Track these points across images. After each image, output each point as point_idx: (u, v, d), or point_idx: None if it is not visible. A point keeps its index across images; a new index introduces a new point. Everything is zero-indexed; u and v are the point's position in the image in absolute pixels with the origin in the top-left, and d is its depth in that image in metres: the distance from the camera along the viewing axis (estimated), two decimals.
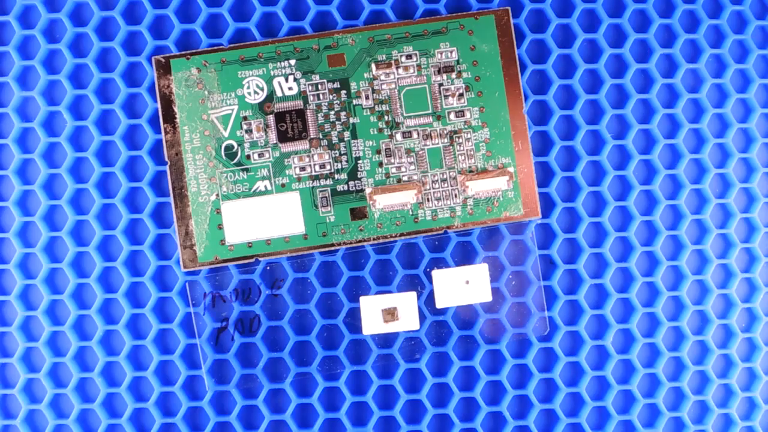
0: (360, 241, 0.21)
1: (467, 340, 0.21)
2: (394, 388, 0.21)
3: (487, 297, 0.21)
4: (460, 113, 0.21)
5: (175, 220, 0.21)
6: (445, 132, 0.21)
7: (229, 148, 0.21)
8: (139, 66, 0.21)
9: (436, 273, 0.21)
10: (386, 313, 0.20)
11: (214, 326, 0.21)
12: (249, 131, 0.21)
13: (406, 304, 0.21)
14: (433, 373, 0.21)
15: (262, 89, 0.21)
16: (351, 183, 0.21)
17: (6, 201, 0.21)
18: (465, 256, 0.21)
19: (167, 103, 0.21)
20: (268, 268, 0.21)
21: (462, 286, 0.21)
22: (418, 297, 0.21)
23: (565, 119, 0.22)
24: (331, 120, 0.21)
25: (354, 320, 0.21)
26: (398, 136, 0.21)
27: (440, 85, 0.21)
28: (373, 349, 0.21)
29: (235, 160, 0.21)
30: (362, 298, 0.21)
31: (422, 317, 0.21)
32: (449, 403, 0.21)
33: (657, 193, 0.22)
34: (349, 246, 0.21)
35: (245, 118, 0.21)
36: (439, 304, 0.21)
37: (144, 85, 0.21)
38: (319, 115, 0.21)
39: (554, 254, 0.21)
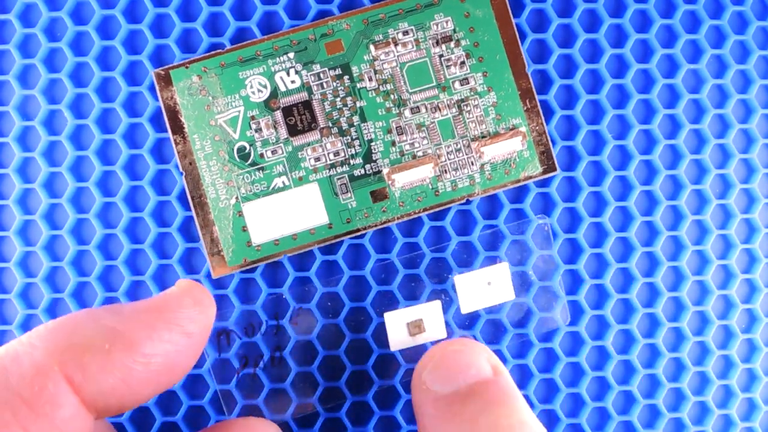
0: (385, 222, 0.21)
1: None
2: (394, 389, 0.21)
3: (510, 296, 0.21)
4: (464, 81, 0.21)
5: (198, 229, 0.21)
6: (453, 102, 0.21)
7: (241, 149, 0.21)
8: (140, 65, 0.21)
9: (458, 278, 0.20)
10: (412, 326, 0.20)
11: (243, 371, 0.21)
12: (258, 130, 0.21)
13: (431, 314, 0.20)
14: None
15: (265, 86, 0.21)
16: (367, 166, 0.21)
17: (6, 199, 0.21)
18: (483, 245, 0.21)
19: (173, 114, 0.21)
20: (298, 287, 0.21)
21: (484, 287, 0.20)
22: (443, 303, 0.21)
23: (565, 119, 0.22)
24: (338, 107, 0.21)
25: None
26: (407, 113, 0.21)
27: (440, 56, 0.21)
28: (374, 349, 0.21)
29: (250, 161, 0.21)
30: (386, 314, 0.20)
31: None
32: None
33: (657, 194, 0.22)
34: (375, 228, 0.21)
35: (253, 117, 0.21)
36: (464, 309, 0.20)
37: (144, 84, 0.21)
38: (325, 103, 0.21)
39: (554, 254, 0.21)
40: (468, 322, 0.21)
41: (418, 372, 0.17)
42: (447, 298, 0.21)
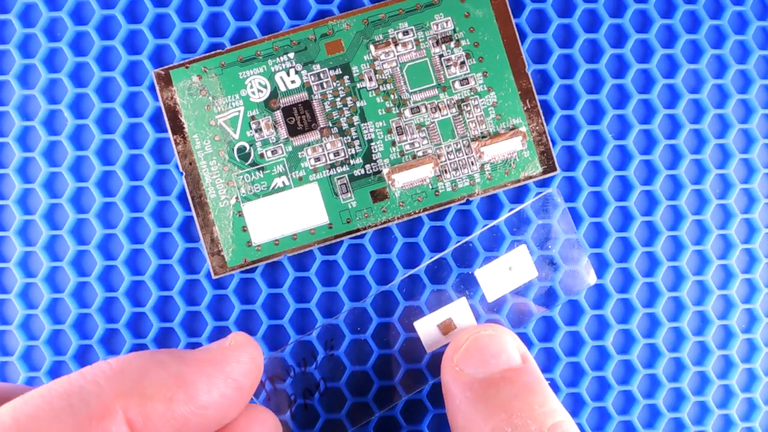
0: (385, 222, 0.21)
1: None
2: (395, 389, 0.21)
3: (533, 274, 0.20)
4: (464, 81, 0.21)
5: (198, 229, 0.21)
6: (453, 102, 0.21)
7: (241, 149, 0.21)
8: (140, 65, 0.21)
9: (479, 272, 0.20)
10: (443, 326, 0.20)
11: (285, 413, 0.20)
12: (259, 130, 0.21)
13: (460, 311, 0.20)
14: (433, 374, 0.21)
15: (265, 87, 0.21)
16: (367, 166, 0.21)
17: (6, 199, 0.21)
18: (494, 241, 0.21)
19: (173, 114, 0.21)
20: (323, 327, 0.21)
21: (506, 273, 0.20)
22: (468, 297, 0.21)
23: (565, 119, 0.22)
24: (338, 107, 0.21)
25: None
26: (407, 113, 0.21)
27: (440, 56, 0.21)
28: (374, 349, 0.21)
29: (250, 161, 0.21)
30: (416, 323, 0.20)
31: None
32: None
33: (657, 194, 0.22)
34: (375, 228, 0.21)
35: (253, 117, 0.21)
36: (490, 298, 0.20)
37: (144, 84, 0.21)
38: (325, 103, 0.21)
39: (555, 255, 0.21)
40: (496, 308, 0.21)
41: (450, 354, 0.18)
42: (471, 291, 0.21)
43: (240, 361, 0.16)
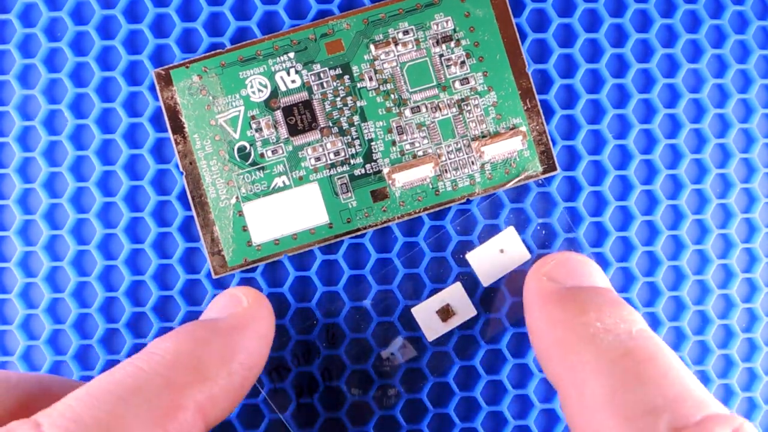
0: (385, 222, 0.21)
1: (467, 339, 0.21)
2: (394, 388, 0.21)
3: (526, 256, 0.21)
4: (464, 81, 0.21)
5: (198, 228, 0.21)
6: (453, 101, 0.21)
7: (241, 149, 0.21)
8: (140, 64, 0.21)
9: (470, 255, 0.21)
10: (442, 312, 0.20)
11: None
12: (259, 130, 0.21)
13: (456, 295, 0.21)
14: (433, 374, 0.21)
15: (265, 86, 0.21)
16: (368, 166, 0.21)
17: (7, 199, 0.21)
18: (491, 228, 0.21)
19: (174, 114, 0.21)
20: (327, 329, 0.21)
21: (498, 256, 0.21)
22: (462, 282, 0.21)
23: (566, 119, 0.22)
24: (338, 107, 0.21)
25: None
26: (407, 113, 0.21)
27: (441, 56, 0.21)
28: (374, 348, 0.21)
29: (250, 161, 0.21)
30: (413, 309, 0.21)
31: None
32: (449, 403, 0.21)
33: (658, 193, 0.22)
34: (375, 228, 0.21)
35: (253, 117, 0.21)
36: (486, 282, 0.21)
37: (145, 84, 0.21)
38: (325, 103, 0.21)
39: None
40: (492, 295, 0.21)
41: (537, 268, 0.18)
42: (466, 277, 0.21)
43: (262, 316, 0.17)
